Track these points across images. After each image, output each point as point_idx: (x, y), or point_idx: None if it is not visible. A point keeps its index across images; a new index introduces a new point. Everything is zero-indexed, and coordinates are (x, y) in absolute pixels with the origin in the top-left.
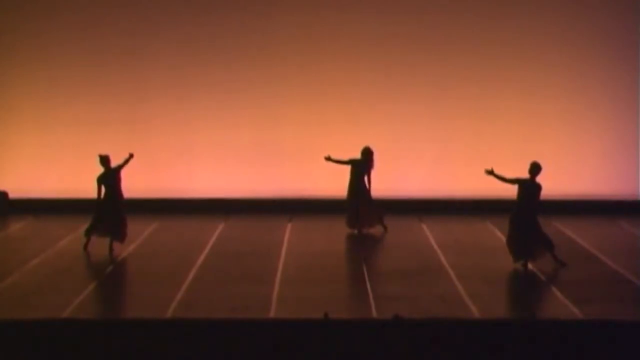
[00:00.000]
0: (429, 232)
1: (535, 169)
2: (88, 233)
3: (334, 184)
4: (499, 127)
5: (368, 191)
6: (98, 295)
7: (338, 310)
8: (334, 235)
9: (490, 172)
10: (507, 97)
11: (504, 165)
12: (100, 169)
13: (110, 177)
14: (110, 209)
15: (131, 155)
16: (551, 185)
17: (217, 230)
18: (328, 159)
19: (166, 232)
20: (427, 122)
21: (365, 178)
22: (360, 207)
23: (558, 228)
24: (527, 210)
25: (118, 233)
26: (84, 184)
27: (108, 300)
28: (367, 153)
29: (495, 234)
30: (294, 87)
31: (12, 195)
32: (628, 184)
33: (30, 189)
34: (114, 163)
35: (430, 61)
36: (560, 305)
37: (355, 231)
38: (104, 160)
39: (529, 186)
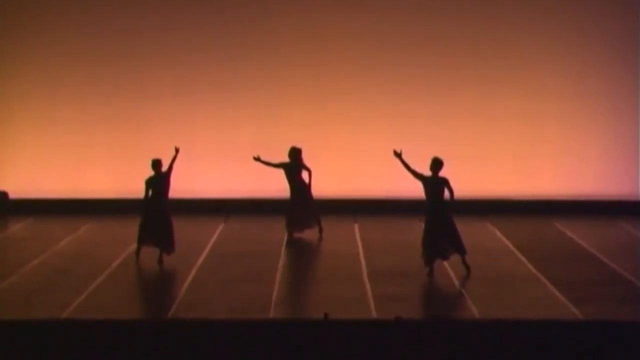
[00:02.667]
0: None
1: (435, 164)
2: (140, 242)
3: (334, 183)
4: (499, 127)
5: (304, 192)
6: (98, 295)
7: (338, 310)
8: (334, 235)
9: (398, 155)
10: (507, 97)
11: (504, 164)
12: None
13: (161, 181)
14: (157, 214)
15: (177, 150)
16: (551, 186)
17: (217, 230)
18: (257, 159)
19: None
20: (427, 122)
21: (304, 178)
22: (295, 210)
23: (558, 228)
24: (438, 209)
25: (167, 244)
26: (84, 184)
27: (108, 301)
28: (294, 154)
29: (495, 234)
30: (294, 87)
31: (12, 195)
32: (628, 184)
33: (30, 189)
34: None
35: (431, 61)
36: (560, 305)
37: (286, 236)
38: (156, 164)
39: (432, 183)
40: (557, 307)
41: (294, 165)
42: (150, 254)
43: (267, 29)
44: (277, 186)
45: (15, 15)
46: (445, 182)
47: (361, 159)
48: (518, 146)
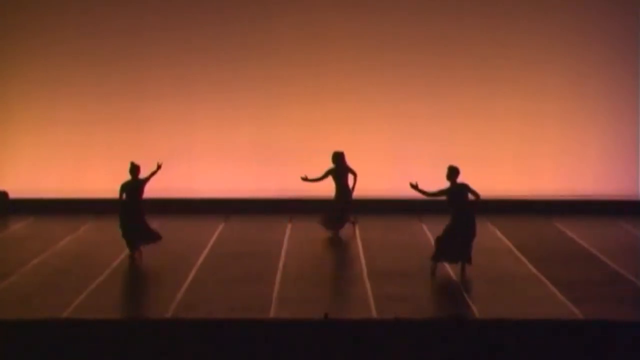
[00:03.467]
0: (429, 232)
1: (451, 172)
2: (132, 249)
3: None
4: (499, 127)
5: (347, 196)
6: (98, 295)
7: (338, 310)
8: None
9: (415, 187)
10: (507, 97)
11: (504, 165)
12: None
13: (135, 187)
14: (134, 219)
15: (159, 167)
16: (551, 186)
17: (217, 230)
18: (305, 179)
19: (166, 232)
20: (427, 122)
21: (350, 181)
22: (334, 212)
23: (558, 228)
24: (463, 215)
25: (154, 237)
26: (84, 184)
27: (108, 301)
28: (337, 158)
29: (495, 234)
30: (294, 87)
31: (12, 195)
32: (628, 184)
33: (30, 189)
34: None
35: (431, 61)
36: (560, 305)
37: (330, 233)
38: (134, 169)
39: (453, 192)
40: (557, 307)
41: (340, 170)
42: (144, 254)
43: (267, 29)
44: (277, 186)
45: (15, 15)
46: (466, 188)
47: (361, 159)
48: (518, 146)
